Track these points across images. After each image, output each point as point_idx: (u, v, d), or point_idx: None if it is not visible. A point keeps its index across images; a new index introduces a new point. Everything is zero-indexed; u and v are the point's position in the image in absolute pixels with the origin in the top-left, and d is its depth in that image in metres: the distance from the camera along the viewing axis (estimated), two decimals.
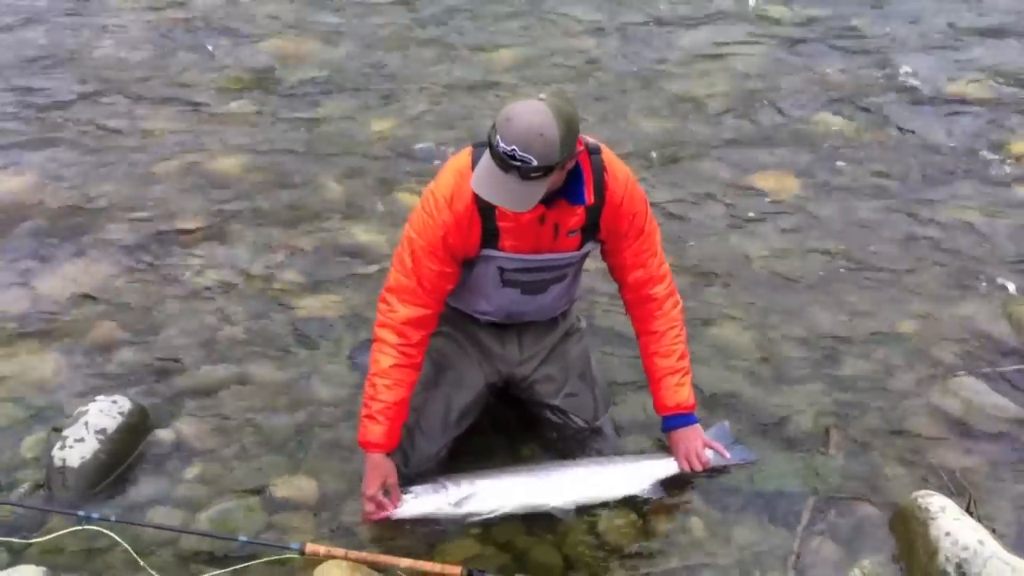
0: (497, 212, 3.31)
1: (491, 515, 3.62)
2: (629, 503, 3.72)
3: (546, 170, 3.07)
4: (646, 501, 3.73)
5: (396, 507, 3.56)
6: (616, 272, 3.70)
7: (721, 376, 4.37)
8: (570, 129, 3.09)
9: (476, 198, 3.27)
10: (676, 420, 3.80)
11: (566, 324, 3.90)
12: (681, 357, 3.76)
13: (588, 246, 3.56)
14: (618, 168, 3.48)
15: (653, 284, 3.67)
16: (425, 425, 3.76)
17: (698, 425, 3.81)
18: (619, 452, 3.94)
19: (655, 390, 3.79)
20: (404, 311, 3.46)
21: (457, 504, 3.59)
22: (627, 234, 3.54)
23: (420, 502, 3.58)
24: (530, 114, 3.03)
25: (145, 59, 7.16)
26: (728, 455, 3.84)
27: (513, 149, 3.02)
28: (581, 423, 3.92)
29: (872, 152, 6.20)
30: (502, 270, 3.50)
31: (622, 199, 3.45)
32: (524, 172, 3.06)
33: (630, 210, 3.48)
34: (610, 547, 3.57)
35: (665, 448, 3.87)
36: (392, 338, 3.46)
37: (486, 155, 3.15)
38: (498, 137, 3.04)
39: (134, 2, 7.95)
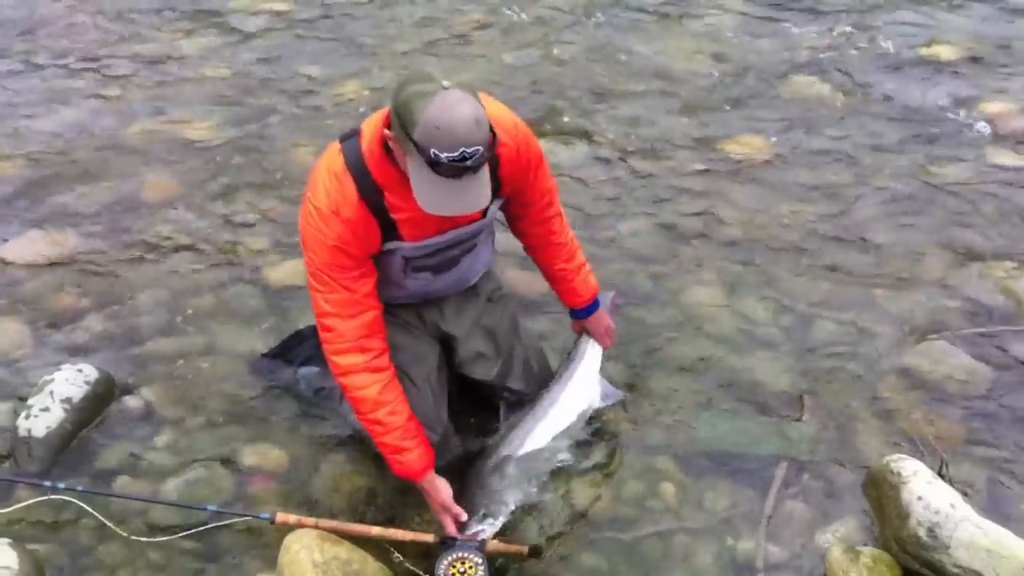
0: (388, 205, 3.05)
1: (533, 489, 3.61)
2: (600, 469, 3.72)
3: (490, 149, 2.81)
4: (615, 467, 3.73)
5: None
6: (519, 212, 3.52)
7: (694, 340, 4.34)
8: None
9: (362, 198, 3.00)
10: (594, 305, 3.81)
11: (488, 289, 3.71)
12: (581, 253, 3.71)
13: (492, 208, 3.31)
14: (502, 114, 3.15)
15: (557, 222, 3.57)
16: (420, 414, 3.48)
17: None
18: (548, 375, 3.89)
19: (569, 289, 3.71)
20: (352, 324, 3.16)
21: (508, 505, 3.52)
22: (529, 176, 3.32)
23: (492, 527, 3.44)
24: (456, 107, 2.71)
25: (112, 20, 7.05)
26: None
27: (462, 151, 2.71)
28: (524, 391, 3.80)
29: (845, 115, 6.16)
30: (407, 260, 3.26)
31: (517, 146, 3.18)
32: (476, 165, 2.78)
33: (526, 155, 3.24)
34: (583, 514, 3.56)
35: (578, 344, 3.88)
36: (358, 360, 3.19)
37: (421, 172, 2.80)
38: (434, 152, 2.71)
39: None
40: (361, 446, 3.75)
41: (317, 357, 3.80)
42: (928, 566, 3.22)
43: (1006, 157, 5.68)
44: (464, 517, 3.34)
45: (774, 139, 5.88)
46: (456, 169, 2.76)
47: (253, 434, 3.84)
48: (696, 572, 3.37)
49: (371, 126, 3.04)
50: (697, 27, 7.24)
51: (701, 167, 5.60)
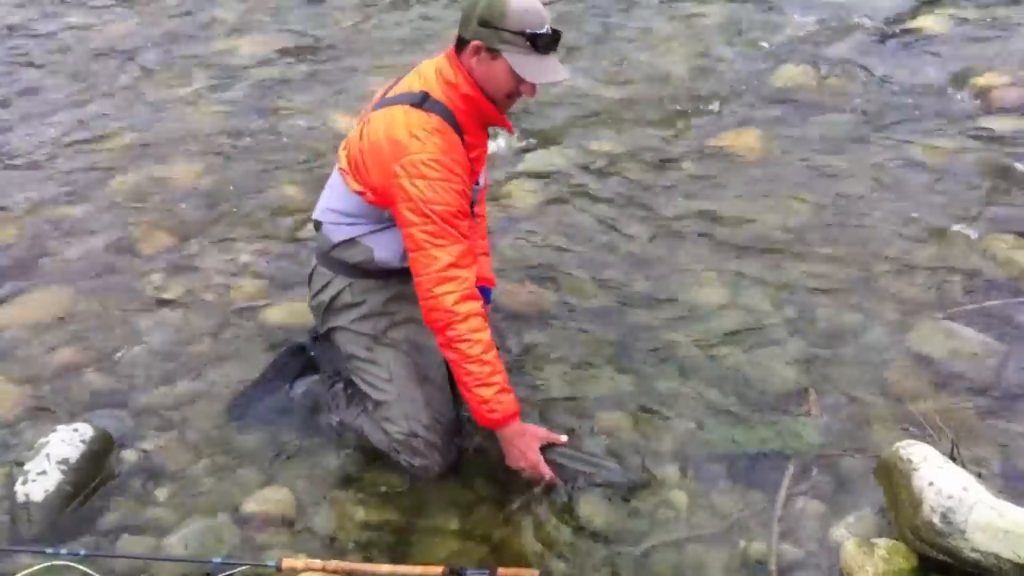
0: (467, 145, 3.30)
1: None
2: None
3: None
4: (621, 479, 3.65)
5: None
6: None
7: (697, 339, 4.29)
8: None
9: (462, 141, 3.27)
10: (489, 291, 3.94)
11: None
12: None
13: None
14: None
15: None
16: (447, 421, 3.68)
17: None
18: None
19: None
20: (471, 272, 3.30)
21: None
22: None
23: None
24: None
25: (93, 67, 7.07)
26: None
27: (547, 27, 3.15)
28: None
29: (835, 98, 6.10)
30: (470, 200, 3.44)
31: None
32: (560, 37, 3.23)
33: None
34: (592, 530, 3.49)
35: None
36: (475, 305, 3.28)
37: (521, 54, 3.15)
38: (530, 31, 3.12)
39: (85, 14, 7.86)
40: (364, 479, 3.73)
41: (310, 367, 4.04)
42: (946, 553, 3.13)
43: (998, 128, 5.60)
44: (565, 438, 3.57)
45: (765, 131, 5.82)
46: (551, 42, 3.19)
47: (254, 478, 3.78)
48: None
49: (429, 85, 3.30)
50: (680, 22, 7.18)
51: (694, 165, 5.55)
